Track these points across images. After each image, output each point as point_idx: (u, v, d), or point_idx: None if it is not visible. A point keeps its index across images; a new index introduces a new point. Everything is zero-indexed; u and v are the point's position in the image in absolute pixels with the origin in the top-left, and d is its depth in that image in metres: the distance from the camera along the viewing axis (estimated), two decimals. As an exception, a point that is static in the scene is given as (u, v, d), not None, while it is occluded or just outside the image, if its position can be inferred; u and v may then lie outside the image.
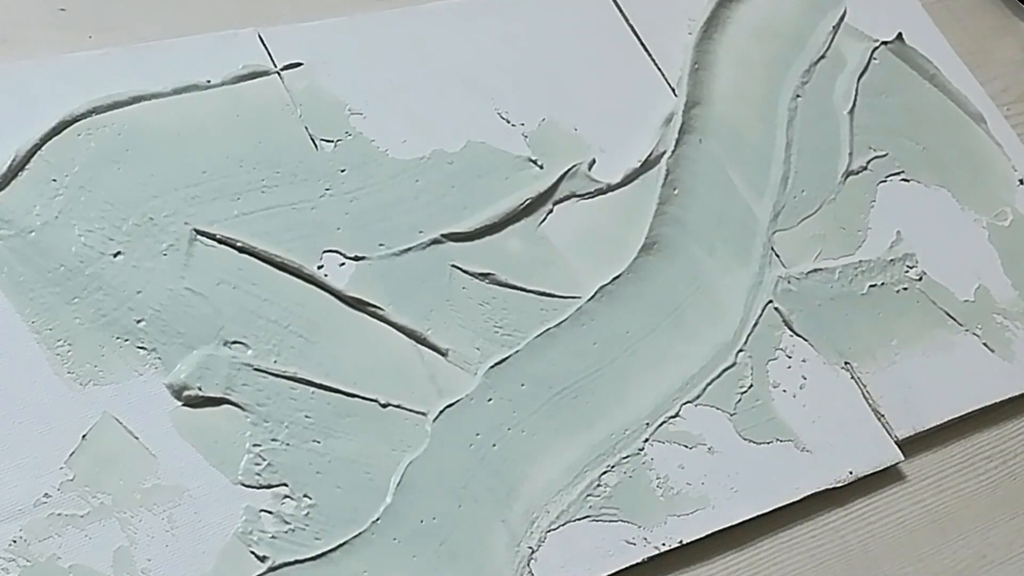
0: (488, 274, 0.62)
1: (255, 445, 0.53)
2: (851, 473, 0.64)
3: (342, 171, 0.61)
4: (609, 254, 0.65)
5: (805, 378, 0.66)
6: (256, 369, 0.55)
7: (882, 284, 0.72)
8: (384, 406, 0.57)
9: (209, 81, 0.61)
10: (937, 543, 0.66)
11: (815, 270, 0.70)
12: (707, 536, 0.59)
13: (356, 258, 0.59)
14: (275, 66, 0.63)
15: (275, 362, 0.55)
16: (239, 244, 0.57)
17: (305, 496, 0.53)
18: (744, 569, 0.61)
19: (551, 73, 0.70)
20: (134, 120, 0.58)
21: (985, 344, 0.73)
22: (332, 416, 0.55)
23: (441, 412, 0.57)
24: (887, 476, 0.66)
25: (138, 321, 0.54)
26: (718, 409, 0.63)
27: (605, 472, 0.59)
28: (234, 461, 0.53)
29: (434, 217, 0.62)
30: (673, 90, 0.72)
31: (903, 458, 0.66)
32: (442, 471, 0.56)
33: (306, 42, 0.64)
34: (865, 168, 0.76)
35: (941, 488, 0.68)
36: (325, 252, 0.59)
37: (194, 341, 0.54)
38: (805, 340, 0.67)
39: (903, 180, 0.77)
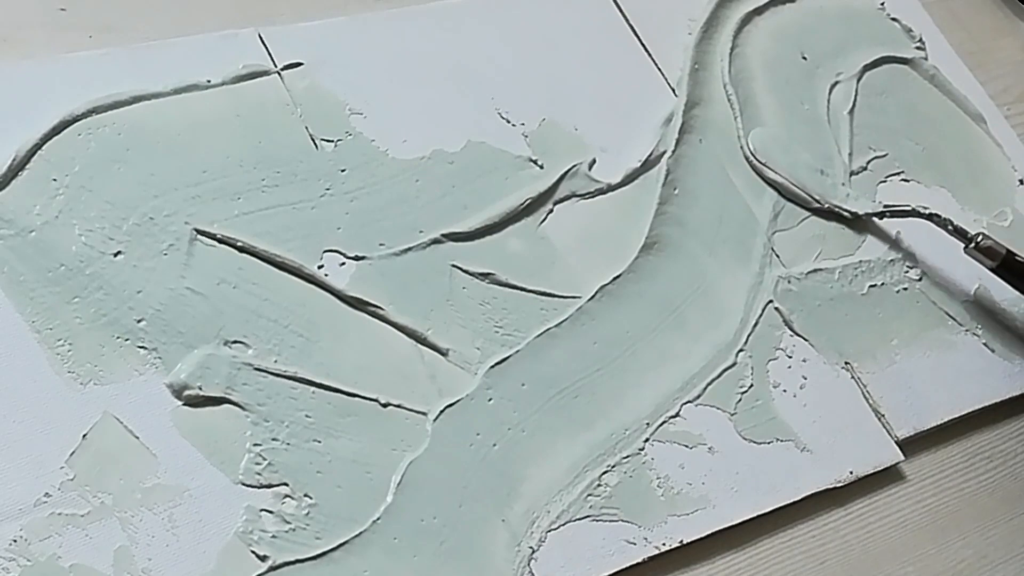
0: (488, 274, 0.62)
1: (255, 445, 0.53)
2: (851, 473, 0.64)
3: (342, 171, 0.61)
4: (609, 254, 0.65)
5: (805, 378, 0.66)
6: (256, 369, 0.55)
7: (882, 284, 0.72)
8: (384, 406, 0.57)
9: (209, 81, 0.61)
10: (937, 543, 0.66)
11: (815, 270, 0.70)
12: (707, 536, 0.59)
13: (356, 258, 0.59)
14: (275, 66, 0.63)
15: (275, 362, 0.55)
16: (239, 244, 0.57)
17: (306, 496, 0.53)
18: (745, 569, 0.60)
19: (551, 73, 0.70)
20: (134, 120, 0.58)
21: (985, 344, 0.73)
22: (332, 416, 0.55)
23: (441, 412, 0.57)
24: (887, 476, 0.66)
25: (138, 321, 0.54)
26: (718, 409, 0.63)
27: (605, 472, 0.59)
28: (235, 461, 0.53)
29: (434, 217, 0.62)
30: (673, 90, 0.72)
31: (903, 458, 0.66)
32: (443, 471, 0.56)
33: (306, 42, 0.64)
34: (865, 168, 0.76)
35: (941, 488, 0.68)
36: (325, 252, 0.59)
37: (194, 341, 0.54)
38: (805, 340, 0.67)
39: (903, 180, 0.77)
